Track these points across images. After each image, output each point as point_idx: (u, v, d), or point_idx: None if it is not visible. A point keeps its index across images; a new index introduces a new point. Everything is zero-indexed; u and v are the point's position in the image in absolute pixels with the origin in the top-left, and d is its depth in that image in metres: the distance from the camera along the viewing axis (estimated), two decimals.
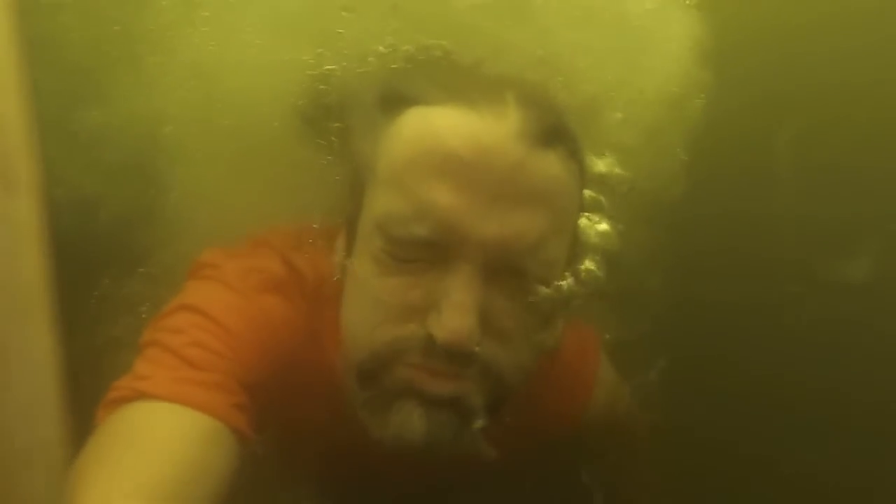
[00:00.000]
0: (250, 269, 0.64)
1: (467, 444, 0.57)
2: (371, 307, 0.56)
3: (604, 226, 0.62)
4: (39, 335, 0.22)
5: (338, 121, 0.65)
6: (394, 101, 0.58)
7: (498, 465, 0.62)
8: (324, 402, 0.67)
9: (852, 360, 1.02)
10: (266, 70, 0.73)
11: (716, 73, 0.77)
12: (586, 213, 0.62)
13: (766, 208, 1.09)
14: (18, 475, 0.20)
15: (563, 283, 0.59)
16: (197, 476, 0.49)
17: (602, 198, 0.63)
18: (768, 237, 1.09)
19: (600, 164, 0.64)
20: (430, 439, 0.55)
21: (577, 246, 0.60)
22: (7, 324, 0.21)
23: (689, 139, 0.80)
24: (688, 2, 0.78)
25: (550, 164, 0.54)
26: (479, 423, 0.57)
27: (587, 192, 0.62)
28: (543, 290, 0.56)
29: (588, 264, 0.63)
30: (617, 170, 0.68)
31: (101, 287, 0.85)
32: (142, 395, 0.53)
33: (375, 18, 0.65)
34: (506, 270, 0.54)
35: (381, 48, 0.64)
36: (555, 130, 0.54)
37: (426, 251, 0.53)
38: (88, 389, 0.52)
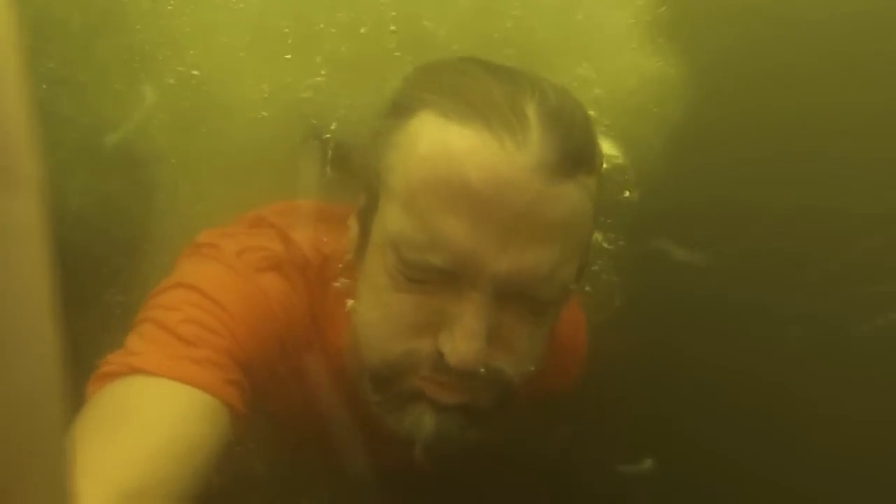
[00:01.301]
0: (248, 247, 0.65)
1: (474, 439, 0.60)
2: (383, 319, 0.57)
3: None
4: (41, 332, 0.22)
5: (337, 151, 0.66)
6: (403, 104, 0.58)
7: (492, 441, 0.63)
8: (324, 381, 0.69)
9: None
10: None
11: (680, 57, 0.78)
12: None
13: (741, 197, 1.09)
14: (22, 467, 0.20)
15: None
16: (190, 451, 0.50)
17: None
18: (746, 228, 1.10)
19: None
20: (440, 438, 0.58)
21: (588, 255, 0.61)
22: (9, 322, 0.21)
23: (660, 125, 0.81)
24: None
25: (569, 194, 0.53)
26: (486, 420, 0.60)
27: None
28: (551, 306, 0.59)
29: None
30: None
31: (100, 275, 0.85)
32: (134, 371, 0.53)
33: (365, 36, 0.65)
34: (517, 295, 0.55)
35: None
36: (576, 153, 0.53)
37: (439, 275, 0.55)
38: (84, 379, 0.53)
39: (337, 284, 0.67)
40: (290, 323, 0.64)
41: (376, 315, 0.58)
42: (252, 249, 0.65)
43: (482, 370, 0.55)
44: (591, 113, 0.64)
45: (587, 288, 0.77)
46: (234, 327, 0.58)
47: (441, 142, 0.53)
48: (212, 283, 0.60)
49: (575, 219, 0.55)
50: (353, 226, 0.64)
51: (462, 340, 0.53)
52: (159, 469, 0.48)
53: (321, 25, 0.75)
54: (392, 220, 0.56)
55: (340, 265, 0.67)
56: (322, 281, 0.68)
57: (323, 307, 0.68)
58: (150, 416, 0.51)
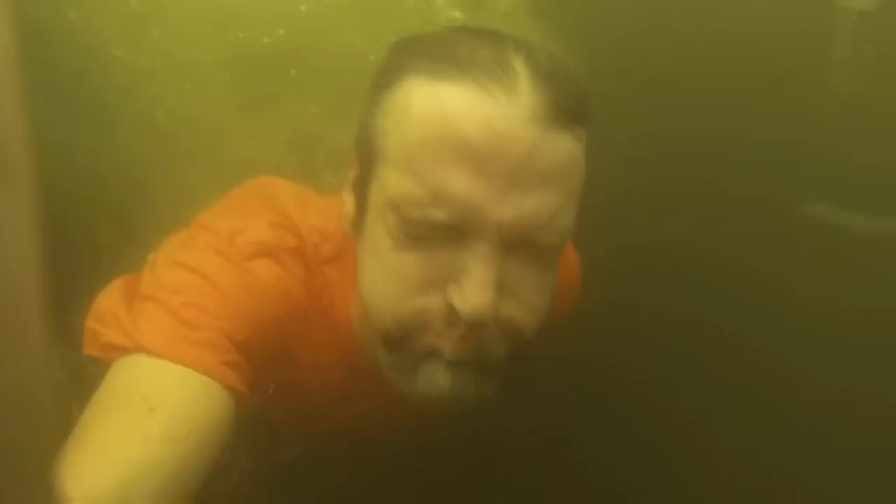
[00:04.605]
0: (239, 235, 0.65)
1: (489, 395, 0.60)
2: (391, 280, 0.58)
3: None
4: (30, 326, 0.22)
5: None
6: (389, 72, 0.58)
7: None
8: (331, 357, 0.70)
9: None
10: None
11: None
12: None
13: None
14: (11, 466, 0.20)
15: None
16: (190, 433, 0.52)
17: None
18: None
19: None
20: (455, 395, 0.58)
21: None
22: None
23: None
24: None
25: (565, 142, 0.54)
26: (500, 375, 0.60)
27: None
28: (555, 252, 0.59)
29: None
30: None
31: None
32: (140, 348, 0.56)
33: None
34: (521, 243, 0.56)
35: None
36: (569, 104, 0.54)
37: (442, 231, 0.55)
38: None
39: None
40: (287, 305, 0.65)
41: (383, 277, 0.58)
42: (243, 237, 0.65)
43: (494, 320, 0.55)
44: None
45: None
46: (231, 310, 0.60)
47: (433, 101, 0.54)
48: (210, 267, 0.62)
49: (571, 166, 0.56)
50: (348, 200, 0.64)
51: (472, 290, 0.54)
52: (159, 450, 0.50)
53: None
54: (391, 182, 0.56)
55: (338, 240, 0.67)
56: (318, 259, 0.69)
57: (326, 285, 0.69)
58: (150, 399, 0.52)
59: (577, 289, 0.82)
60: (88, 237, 0.87)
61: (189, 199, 0.81)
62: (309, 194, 0.77)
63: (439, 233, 0.55)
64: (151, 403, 0.52)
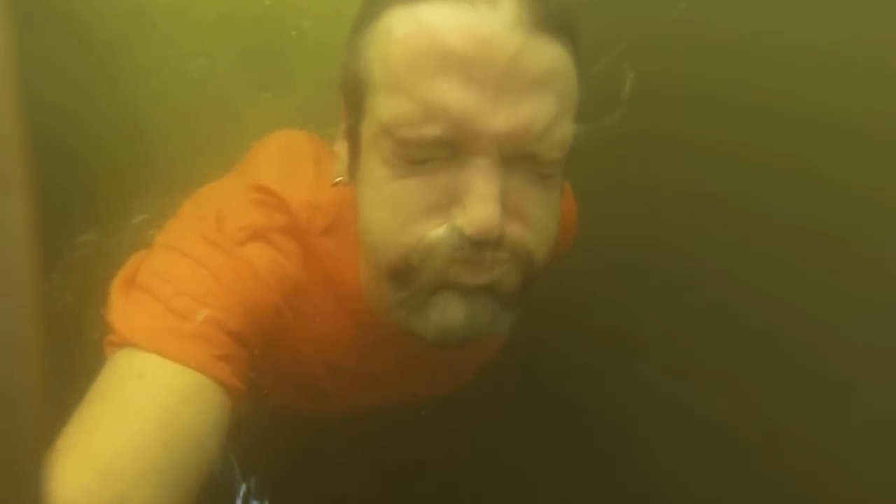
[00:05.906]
0: (225, 220, 0.64)
1: (506, 326, 0.59)
2: (391, 210, 0.56)
3: None
4: (26, 333, 0.23)
5: None
6: (369, 9, 0.57)
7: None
8: (346, 332, 0.69)
9: None
10: None
11: None
12: None
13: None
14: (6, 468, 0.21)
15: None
16: (178, 433, 0.50)
17: None
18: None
19: None
20: (471, 325, 0.56)
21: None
22: None
23: None
24: None
25: (553, 48, 0.53)
26: (515, 304, 0.58)
27: None
28: (556, 168, 0.57)
29: None
30: None
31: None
32: (128, 343, 0.54)
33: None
34: (519, 156, 0.54)
35: None
36: (553, 13, 0.53)
37: (439, 150, 0.53)
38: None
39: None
40: (285, 289, 0.63)
41: (383, 209, 0.56)
42: (230, 222, 0.64)
43: (502, 242, 0.54)
44: None
45: None
46: (225, 299, 0.58)
47: (414, 19, 0.53)
48: (202, 254, 0.60)
49: (562, 74, 0.54)
50: (342, 148, 0.61)
51: (475, 207, 0.52)
52: (149, 454, 0.48)
53: None
54: (381, 108, 0.54)
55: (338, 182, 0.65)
56: (315, 233, 0.67)
57: (327, 257, 0.67)
58: (134, 397, 0.50)
59: (575, 220, 0.81)
60: (90, 196, 0.86)
61: (190, 158, 0.80)
62: (302, 159, 0.74)
63: (436, 153, 0.53)
64: (139, 403, 0.50)
